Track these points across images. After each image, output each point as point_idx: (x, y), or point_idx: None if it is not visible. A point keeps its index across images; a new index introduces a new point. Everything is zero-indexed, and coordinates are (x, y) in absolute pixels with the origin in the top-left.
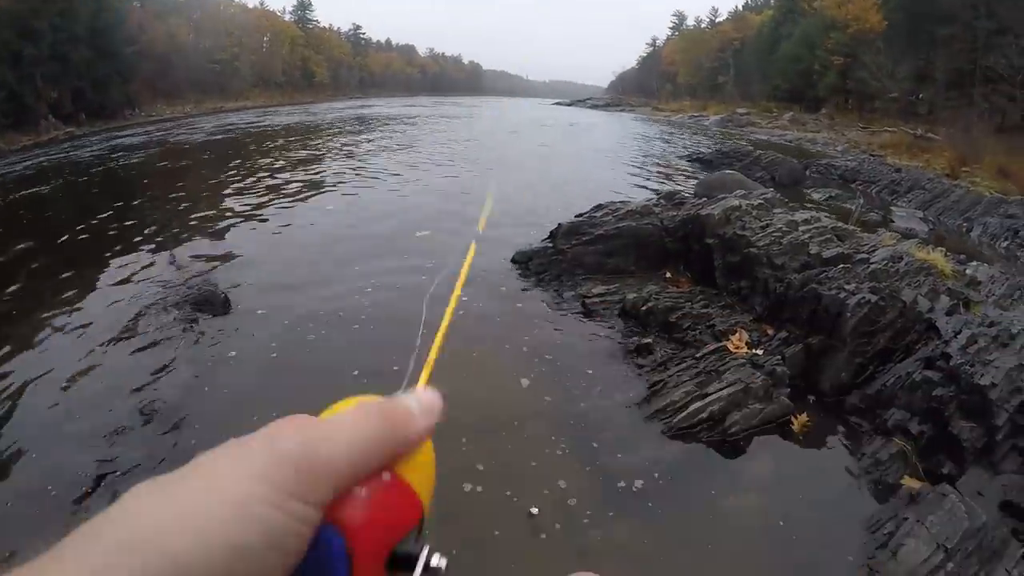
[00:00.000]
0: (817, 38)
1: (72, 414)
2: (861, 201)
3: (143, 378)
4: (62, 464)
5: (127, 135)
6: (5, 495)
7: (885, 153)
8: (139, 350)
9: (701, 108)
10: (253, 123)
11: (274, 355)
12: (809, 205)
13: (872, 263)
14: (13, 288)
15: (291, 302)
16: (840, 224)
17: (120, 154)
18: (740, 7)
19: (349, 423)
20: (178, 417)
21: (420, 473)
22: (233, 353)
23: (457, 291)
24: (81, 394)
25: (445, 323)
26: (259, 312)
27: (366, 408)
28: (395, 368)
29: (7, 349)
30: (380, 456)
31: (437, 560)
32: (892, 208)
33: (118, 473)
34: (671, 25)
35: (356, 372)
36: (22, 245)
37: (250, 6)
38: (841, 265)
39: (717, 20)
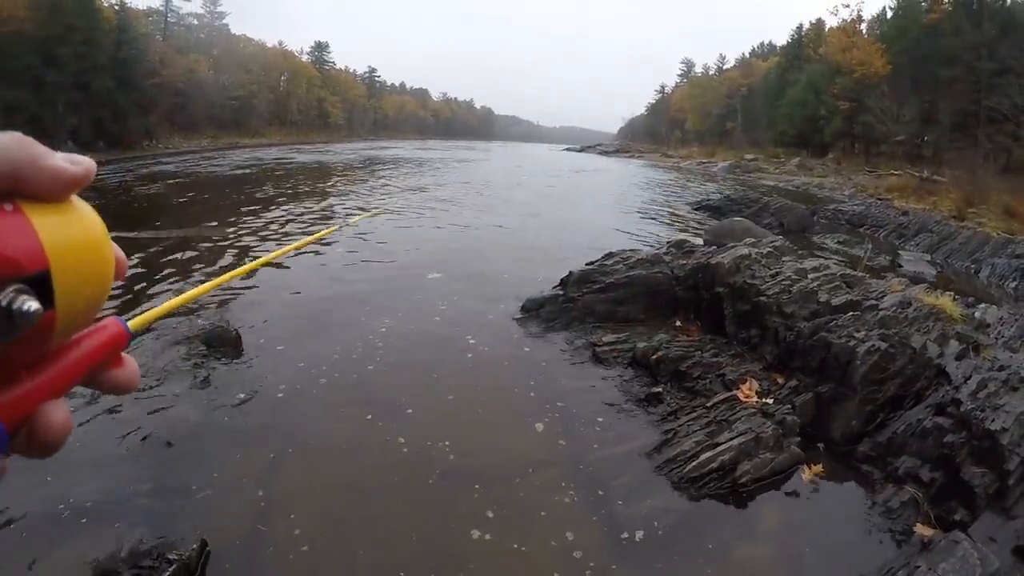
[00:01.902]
0: (823, 84)
1: (76, 443)
2: (869, 246)
3: (148, 413)
4: (65, 492)
5: (150, 165)
6: (10, 515)
7: (892, 196)
8: (147, 385)
9: (709, 154)
10: (279, 159)
11: (281, 395)
12: (818, 252)
13: (881, 310)
14: None
15: (305, 342)
16: (849, 271)
17: (143, 184)
18: (747, 54)
19: None
20: (179, 454)
21: (58, 231)
22: (241, 395)
23: (290, 248)
24: (88, 425)
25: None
26: (271, 352)
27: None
28: (409, 411)
29: None
30: None
31: (26, 304)
32: (900, 252)
33: (115, 502)
34: (680, 72)
35: (368, 416)
36: None
37: (269, 45)
38: (850, 313)
39: (724, 67)
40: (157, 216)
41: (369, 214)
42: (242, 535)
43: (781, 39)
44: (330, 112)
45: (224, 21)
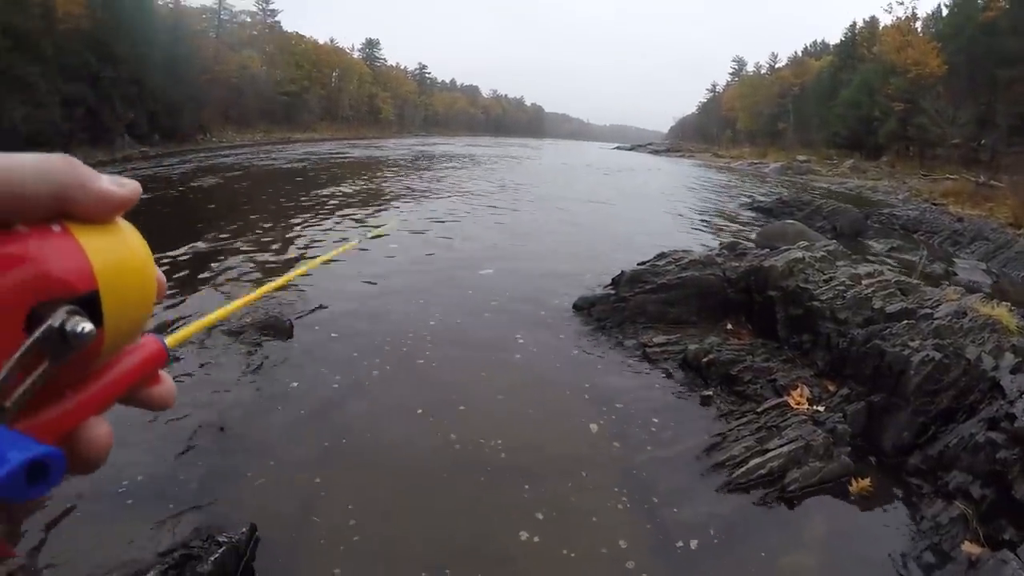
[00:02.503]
0: (877, 84)
1: (130, 425)
2: (924, 253)
3: (202, 398)
4: (118, 473)
5: (208, 159)
6: (64, 493)
7: (947, 201)
8: (202, 369)
9: (761, 155)
10: (335, 153)
11: (335, 386)
12: (871, 257)
13: (936, 319)
14: None
15: (357, 334)
16: (903, 277)
17: (202, 176)
18: (800, 53)
19: (19, 155)
20: (231, 440)
21: (105, 252)
22: (295, 384)
23: (315, 262)
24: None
25: (295, 272)
26: (323, 342)
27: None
28: (461, 408)
29: None
30: (45, 192)
31: (80, 325)
32: (955, 260)
33: (167, 484)
34: (731, 71)
35: (420, 411)
36: None
37: (321, 42)
38: (905, 321)
39: (777, 66)
40: (221, 208)
41: (385, 228)
42: (292, 522)
43: (834, 38)
44: (381, 108)
45: (276, 19)
